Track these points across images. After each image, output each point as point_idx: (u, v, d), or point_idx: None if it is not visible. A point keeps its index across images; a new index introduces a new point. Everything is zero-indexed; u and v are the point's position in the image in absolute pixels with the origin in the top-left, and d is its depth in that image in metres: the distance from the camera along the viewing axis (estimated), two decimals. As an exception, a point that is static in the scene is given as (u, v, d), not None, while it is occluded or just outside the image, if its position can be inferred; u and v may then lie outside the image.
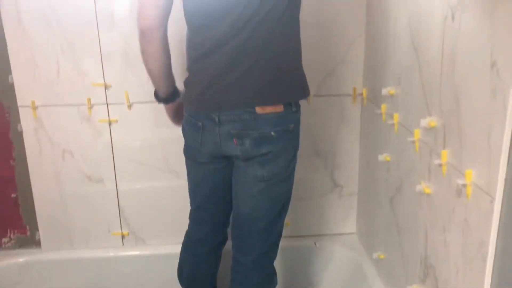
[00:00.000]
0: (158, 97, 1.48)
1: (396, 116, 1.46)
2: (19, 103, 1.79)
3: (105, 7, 1.71)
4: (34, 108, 1.78)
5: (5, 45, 1.71)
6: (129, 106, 1.82)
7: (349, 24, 1.79)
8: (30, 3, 1.68)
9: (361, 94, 1.85)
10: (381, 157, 1.58)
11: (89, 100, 1.79)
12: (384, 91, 1.53)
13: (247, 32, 1.23)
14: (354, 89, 1.86)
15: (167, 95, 1.46)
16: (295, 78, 1.34)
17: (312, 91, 1.82)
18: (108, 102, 1.81)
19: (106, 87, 1.79)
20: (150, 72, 1.40)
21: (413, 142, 1.32)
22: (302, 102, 1.37)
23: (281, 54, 1.28)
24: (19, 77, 1.76)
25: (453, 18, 1.08)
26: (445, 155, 1.13)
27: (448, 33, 1.10)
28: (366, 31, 1.78)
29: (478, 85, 0.98)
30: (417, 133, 1.30)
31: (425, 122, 1.22)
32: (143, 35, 1.32)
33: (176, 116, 1.54)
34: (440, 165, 1.16)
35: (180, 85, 1.45)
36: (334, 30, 1.80)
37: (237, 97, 1.28)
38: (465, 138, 1.04)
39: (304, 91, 1.37)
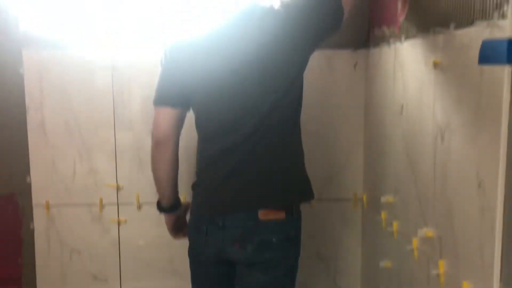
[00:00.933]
0: (161, 207, 1.54)
1: (395, 224, 1.53)
2: (34, 201, 1.87)
3: (122, 112, 1.85)
4: (48, 207, 1.86)
5: (27, 148, 1.84)
6: (139, 207, 1.89)
7: (348, 132, 1.92)
8: (55, 111, 1.83)
9: (362, 199, 1.92)
10: (382, 264, 1.62)
11: (101, 200, 1.88)
12: (383, 199, 1.61)
13: (255, 140, 1.33)
14: (355, 195, 1.94)
15: (170, 205, 1.52)
16: (300, 182, 1.42)
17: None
18: (119, 202, 1.89)
19: (118, 188, 1.88)
20: (158, 180, 1.47)
21: (412, 250, 1.37)
22: (304, 207, 1.44)
23: (286, 160, 1.37)
24: (36, 178, 1.86)
25: (442, 139, 1.19)
26: (442, 266, 1.18)
27: (439, 151, 1.21)
28: (365, 140, 1.90)
29: (468, 202, 1.06)
30: (415, 242, 1.35)
31: (422, 232, 1.29)
32: (157, 146, 1.42)
33: (174, 228, 1.58)
34: (438, 275, 1.20)
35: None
36: (334, 138, 1.92)
37: (241, 202, 1.35)
38: (460, 251, 1.10)
39: (307, 194, 1.43)
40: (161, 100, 1.40)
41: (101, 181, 1.88)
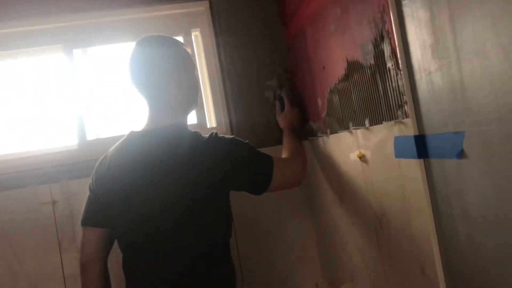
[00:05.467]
0: None
1: (358, 312, 1.53)
2: None
3: (64, 231, 1.80)
4: None
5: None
6: None
7: (299, 225, 1.95)
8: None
9: (324, 288, 1.92)
10: None
11: None
12: (343, 287, 1.62)
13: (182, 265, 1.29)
14: (317, 285, 1.94)
15: None
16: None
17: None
18: None
19: (73, 325, 1.78)
20: None
21: None
22: None
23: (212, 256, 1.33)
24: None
25: (381, 227, 1.24)
26: None
27: (381, 239, 1.26)
28: (315, 231, 1.94)
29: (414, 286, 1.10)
30: (380, 330, 1.36)
31: (384, 320, 1.30)
32: (82, 268, 1.41)
33: None
34: None
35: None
36: (286, 232, 1.95)
37: None
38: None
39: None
40: (85, 220, 1.41)
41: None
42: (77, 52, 1.89)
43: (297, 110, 1.82)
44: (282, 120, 1.81)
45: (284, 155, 1.58)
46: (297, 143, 1.65)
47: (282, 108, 1.85)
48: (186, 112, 1.44)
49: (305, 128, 1.84)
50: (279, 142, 1.78)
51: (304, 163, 1.57)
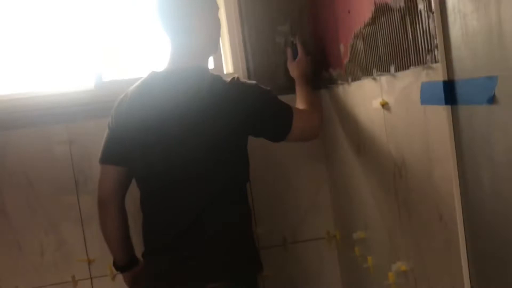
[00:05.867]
0: (116, 265, 1.54)
1: (369, 259, 1.55)
2: (2, 288, 1.80)
3: (81, 171, 1.82)
4: (18, 293, 1.79)
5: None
6: (113, 278, 1.85)
7: (312, 173, 1.95)
8: (15, 194, 1.79)
9: (335, 237, 1.95)
10: (363, 301, 1.64)
11: (73, 277, 1.82)
12: (356, 235, 1.63)
13: (200, 206, 1.31)
14: (328, 233, 1.96)
15: (124, 264, 1.52)
16: (247, 252, 1.39)
17: (288, 238, 1.93)
18: (92, 276, 1.84)
19: (90, 262, 1.84)
20: (106, 241, 1.48)
21: (390, 285, 1.39)
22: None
23: (234, 227, 1.35)
24: (2, 263, 1.80)
25: (400, 175, 1.23)
26: (420, 299, 1.21)
27: (399, 188, 1.25)
28: (330, 179, 1.94)
29: (433, 236, 1.10)
30: (391, 277, 1.37)
31: (396, 266, 1.31)
32: (100, 205, 1.44)
33: (134, 286, 1.56)
34: (417, 309, 1.22)
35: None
36: (299, 180, 1.95)
37: (190, 274, 1.32)
38: (433, 284, 1.13)
39: (255, 266, 1.40)
40: (104, 158, 1.43)
41: (72, 256, 1.83)
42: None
43: (310, 58, 1.78)
44: (294, 69, 1.76)
45: (300, 107, 1.55)
46: (313, 95, 1.64)
47: (294, 56, 1.81)
48: (208, 54, 1.44)
49: (323, 76, 1.80)
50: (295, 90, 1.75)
51: (321, 117, 1.58)
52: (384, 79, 1.27)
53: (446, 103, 0.96)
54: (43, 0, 1.87)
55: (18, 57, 1.88)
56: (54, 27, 1.88)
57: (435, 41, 0.98)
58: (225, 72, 1.94)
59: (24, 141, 1.79)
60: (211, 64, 1.90)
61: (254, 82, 1.41)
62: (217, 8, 1.44)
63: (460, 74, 0.94)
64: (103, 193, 1.43)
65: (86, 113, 1.81)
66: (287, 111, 1.40)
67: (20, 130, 1.79)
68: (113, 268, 1.61)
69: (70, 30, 1.88)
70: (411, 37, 1.09)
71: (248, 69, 1.91)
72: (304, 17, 1.90)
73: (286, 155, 1.93)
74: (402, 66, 1.15)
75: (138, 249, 1.52)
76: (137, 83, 1.41)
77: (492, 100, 0.83)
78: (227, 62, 1.95)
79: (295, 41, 1.82)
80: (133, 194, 1.47)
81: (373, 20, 1.29)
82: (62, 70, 1.90)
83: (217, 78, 1.34)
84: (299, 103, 1.59)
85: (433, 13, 0.98)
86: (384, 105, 1.27)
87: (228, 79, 1.35)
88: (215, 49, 1.46)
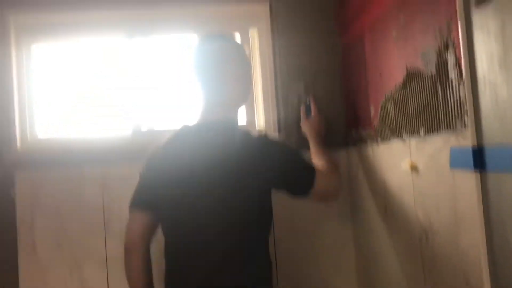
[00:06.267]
0: None
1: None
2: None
3: (111, 213, 1.86)
4: (37, 331, 1.80)
5: (17, 270, 1.82)
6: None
7: (336, 232, 1.94)
8: (45, 230, 1.84)
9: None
10: None
11: (92, 318, 1.82)
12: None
13: (223, 253, 1.32)
14: (351, 294, 1.92)
15: None
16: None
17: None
18: (111, 318, 1.84)
19: (110, 303, 1.84)
20: (130, 285, 1.47)
21: None
22: None
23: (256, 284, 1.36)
24: (26, 300, 1.82)
25: (427, 239, 1.22)
26: None
27: (425, 251, 1.24)
28: (354, 239, 1.92)
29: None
30: None
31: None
32: (126, 252, 1.46)
33: None
34: None
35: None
36: (323, 239, 1.94)
37: None
38: None
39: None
40: (134, 204, 1.47)
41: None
42: (137, 41, 1.97)
43: (323, 117, 1.83)
44: (309, 128, 1.81)
45: (319, 166, 1.57)
46: (331, 157, 1.66)
47: (307, 114, 1.86)
48: (238, 105, 1.50)
49: (352, 135, 1.83)
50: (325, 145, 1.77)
51: (340, 177, 1.59)
52: (413, 141, 1.28)
53: (475, 167, 0.97)
54: (89, 51, 2.00)
55: (63, 104, 1.99)
56: (99, 78, 2.00)
57: (465, 107, 1.01)
58: (256, 124, 1.99)
59: (60, 180, 1.86)
60: (243, 119, 1.97)
61: (281, 141, 1.45)
62: (250, 64, 1.52)
63: (489, 141, 0.95)
64: (130, 238, 1.46)
65: (121, 159, 1.88)
66: (311, 170, 1.43)
67: (58, 169, 1.86)
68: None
69: (114, 83, 1.99)
70: (441, 102, 1.12)
71: (278, 122, 1.95)
72: (319, 76, 1.96)
73: (311, 211, 1.93)
74: (432, 129, 1.17)
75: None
76: (170, 136, 1.47)
77: (521, 168, 0.84)
78: (259, 115, 2.01)
79: (310, 99, 1.87)
80: (158, 241, 1.49)
81: (404, 85, 1.32)
82: (103, 118, 2.00)
83: (246, 133, 1.40)
84: (317, 162, 1.61)
85: (463, 81, 1.01)
86: (413, 167, 1.28)
87: (257, 135, 1.40)
88: (245, 100, 1.53)
